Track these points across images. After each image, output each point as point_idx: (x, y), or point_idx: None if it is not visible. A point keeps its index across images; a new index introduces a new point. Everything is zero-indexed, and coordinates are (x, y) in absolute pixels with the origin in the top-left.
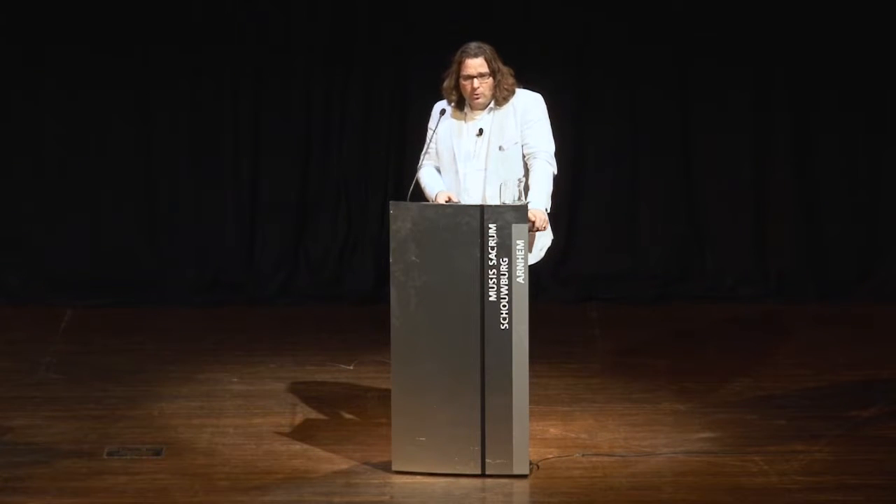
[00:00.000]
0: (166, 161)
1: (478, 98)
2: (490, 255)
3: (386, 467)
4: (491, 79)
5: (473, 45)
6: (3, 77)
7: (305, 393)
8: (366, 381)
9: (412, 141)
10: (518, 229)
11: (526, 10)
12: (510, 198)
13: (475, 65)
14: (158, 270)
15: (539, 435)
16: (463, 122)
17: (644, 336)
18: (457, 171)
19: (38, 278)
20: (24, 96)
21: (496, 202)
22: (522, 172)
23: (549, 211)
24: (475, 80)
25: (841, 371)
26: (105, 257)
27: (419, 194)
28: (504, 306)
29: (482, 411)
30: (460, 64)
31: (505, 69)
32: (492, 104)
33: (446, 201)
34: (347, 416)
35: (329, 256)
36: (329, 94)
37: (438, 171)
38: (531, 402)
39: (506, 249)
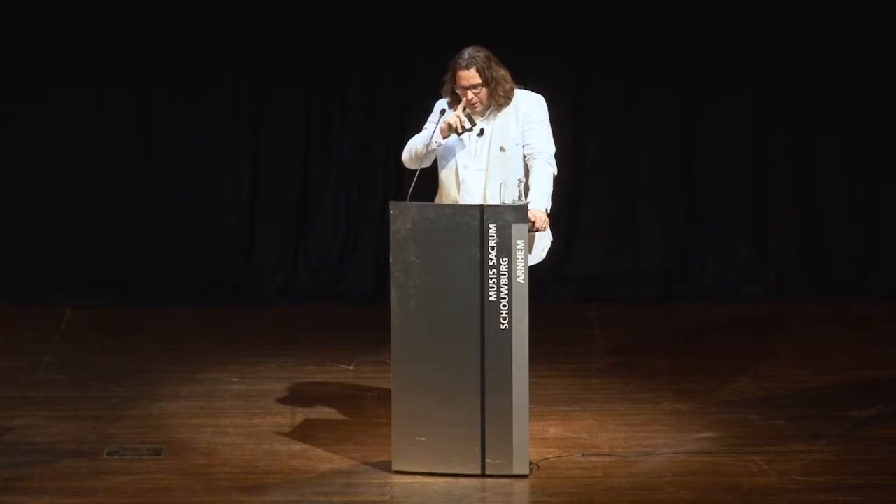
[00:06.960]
0: (166, 161)
1: (474, 106)
2: (490, 255)
3: (386, 467)
4: (485, 89)
5: (467, 53)
6: (3, 77)
7: (305, 393)
8: (366, 381)
9: None
10: (518, 229)
11: (525, 11)
12: (510, 198)
13: (467, 77)
14: (158, 270)
15: (539, 435)
16: None
17: (644, 336)
18: (457, 170)
19: (38, 278)
20: (25, 96)
21: (496, 202)
22: (523, 173)
23: (549, 211)
24: (468, 91)
25: (841, 371)
26: (105, 257)
27: (419, 194)
28: (504, 306)
29: (482, 411)
30: (454, 72)
31: (500, 74)
32: (491, 107)
33: (453, 119)
34: (347, 416)
35: (329, 256)
36: (329, 94)
37: None
38: (531, 402)
39: (506, 249)
